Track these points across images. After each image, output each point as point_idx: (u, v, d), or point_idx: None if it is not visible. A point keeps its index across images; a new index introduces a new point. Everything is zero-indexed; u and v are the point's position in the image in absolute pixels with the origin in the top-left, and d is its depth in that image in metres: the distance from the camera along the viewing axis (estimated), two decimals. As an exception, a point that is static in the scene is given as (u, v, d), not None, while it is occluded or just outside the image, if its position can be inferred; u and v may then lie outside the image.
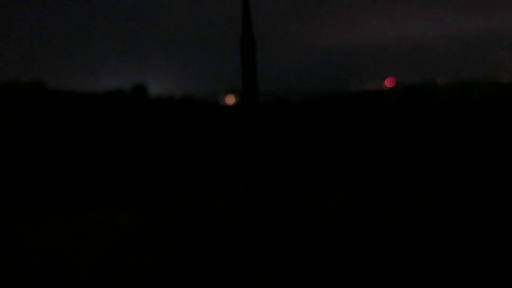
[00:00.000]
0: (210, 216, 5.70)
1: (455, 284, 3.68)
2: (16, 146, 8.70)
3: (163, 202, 6.43)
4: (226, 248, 4.54)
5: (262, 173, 5.57)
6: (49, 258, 4.34)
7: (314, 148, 9.62)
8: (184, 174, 8.05)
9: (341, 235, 4.88)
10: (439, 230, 4.97)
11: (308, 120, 11.75)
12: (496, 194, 6.52)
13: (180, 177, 7.87)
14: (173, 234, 5.05)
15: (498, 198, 6.29)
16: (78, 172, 7.87)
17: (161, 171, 8.13)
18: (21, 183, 7.24)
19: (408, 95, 16.47)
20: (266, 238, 4.83)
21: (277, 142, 5.66)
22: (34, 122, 9.63)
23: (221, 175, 7.25)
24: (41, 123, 9.68)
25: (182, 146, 9.65)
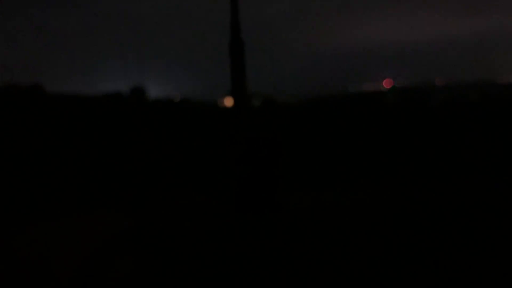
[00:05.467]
0: (202, 216, 5.73)
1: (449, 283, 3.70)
2: (12, 148, 8.70)
3: (156, 203, 6.45)
4: (216, 247, 4.56)
5: (250, 173, 5.62)
6: (40, 258, 4.37)
7: (311, 148, 9.64)
8: (180, 175, 8.06)
9: (331, 231, 4.92)
10: (433, 229, 4.99)
11: (305, 121, 11.76)
12: (493, 193, 6.54)
13: (175, 179, 7.89)
14: (164, 234, 5.08)
15: (496, 197, 6.31)
16: (74, 174, 7.88)
17: (156, 173, 8.14)
18: (17, 184, 7.25)
19: (406, 96, 16.49)
20: (256, 236, 4.87)
21: (265, 142, 5.70)
22: (31, 125, 9.63)
23: (216, 176, 7.27)
24: (39, 126, 9.68)
25: (180, 148, 9.66)
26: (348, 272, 3.90)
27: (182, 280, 3.89)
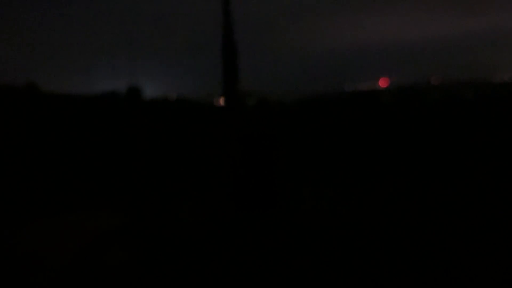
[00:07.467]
0: (199, 214, 5.73)
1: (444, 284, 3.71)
2: (7, 148, 8.69)
3: (153, 201, 6.45)
4: (212, 242, 4.58)
5: (247, 171, 5.63)
6: (38, 251, 4.43)
7: (307, 147, 9.65)
8: (177, 174, 8.06)
9: (327, 230, 4.94)
10: (429, 227, 5.01)
11: (302, 120, 11.77)
12: (490, 191, 6.55)
13: (173, 177, 7.89)
14: (160, 229, 5.08)
15: (492, 195, 6.32)
16: (69, 174, 7.88)
17: (153, 172, 8.14)
18: (11, 183, 7.25)
19: (402, 95, 16.53)
20: (252, 232, 4.88)
21: (261, 141, 5.71)
22: (27, 124, 9.61)
23: (214, 174, 7.27)
24: (34, 126, 9.67)
25: (176, 146, 9.65)
26: (345, 269, 3.91)
27: (176, 273, 3.90)
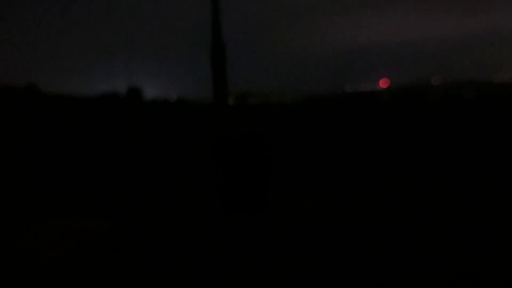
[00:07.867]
0: (188, 216, 5.71)
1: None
2: (6, 148, 8.68)
3: (144, 204, 6.42)
4: (199, 245, 4.57)
5: (235, 172, 5.60)
6: (21, 255, 4.45)
7: (307, 147, 9.66)
8: (175, 175, 8.06)
9: (327, 230, 4.94)
10: (430, 229, 5.01)
11: (302, 120, 11.78)
12: (491, 191, 6.55)
13: (170, 178, 7.88)
14: (150, 233, 5.07)
15: (493, 195, 6.32)
16: (68, 175, 7.87)
17: (151, 174, 8.13)
18: (6, 186, 7.22)
19: (403, 95, 16.59)
20: (241, 234, 4.87)
21: (251, 141, 5.68)
22: (26, 125, 9.62)
23: (207, 175, 7.27)
24: (33, 127, 9.67)
25: (175, 148, 9.66)
26: (345, 270, 3.91)
27: (166, 276, 3.91)
